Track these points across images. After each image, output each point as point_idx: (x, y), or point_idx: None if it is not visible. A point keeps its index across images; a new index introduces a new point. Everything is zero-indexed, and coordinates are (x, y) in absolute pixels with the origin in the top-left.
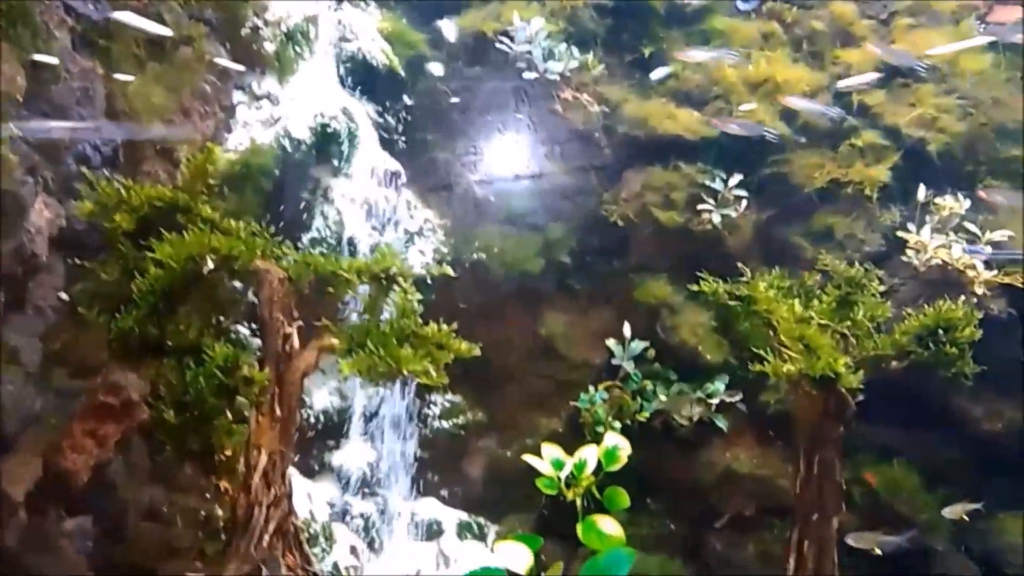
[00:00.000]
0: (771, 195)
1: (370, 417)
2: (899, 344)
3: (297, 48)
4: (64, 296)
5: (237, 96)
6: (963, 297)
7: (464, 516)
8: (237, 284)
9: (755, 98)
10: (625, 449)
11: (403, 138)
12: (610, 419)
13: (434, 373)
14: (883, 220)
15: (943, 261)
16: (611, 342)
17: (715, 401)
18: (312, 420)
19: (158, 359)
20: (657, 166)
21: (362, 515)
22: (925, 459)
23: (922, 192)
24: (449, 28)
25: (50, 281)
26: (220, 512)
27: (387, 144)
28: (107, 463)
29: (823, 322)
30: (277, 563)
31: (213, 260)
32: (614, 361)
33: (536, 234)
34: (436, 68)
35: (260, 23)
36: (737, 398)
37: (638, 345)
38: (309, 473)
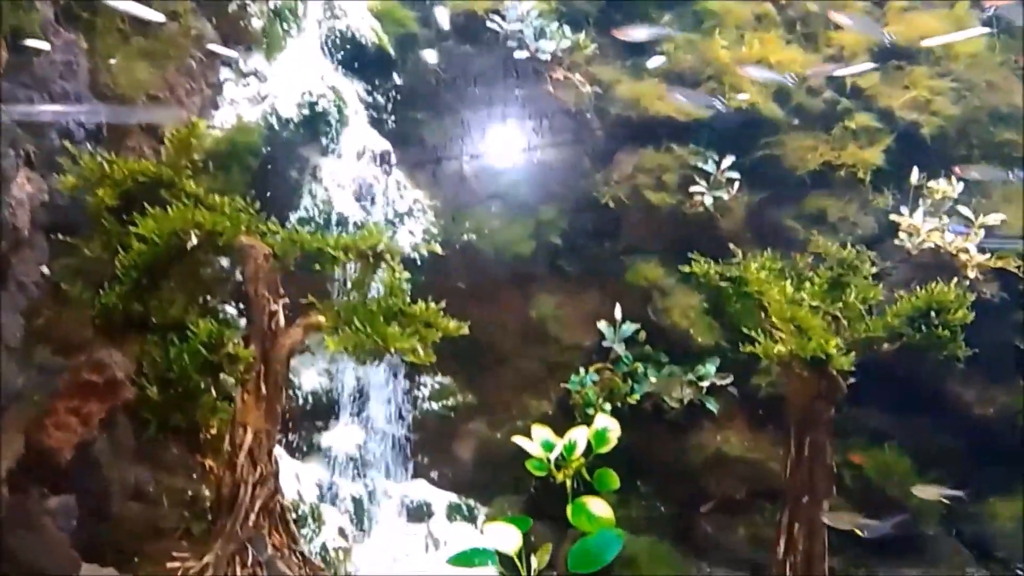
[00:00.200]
0: (764, 177)
1: (359, 398)
2: (891, 326)
3: (285, 25)
4: (46, 270)
5: (224, 73)
6: (956, 280)
7: (454, 498)
8: (223, 263)
9: (747, 79)
10: (615, 431)
11: (392, 117)
12: (601, 401)
13: (422, 351)
14: (876, 203)
15: (936, 245)
16: (602, 324)
17: (706, 384)
18: (301, 401)
19: (142, 336)
20: (649, 147)
21: (351, 496)
22: (917, 443)
23: (915, 175)
24: (440, 6)
25: (33, 256)
26: (207, 492)
27: (376, 123)
28: (91, 441)
29: (815, 304)
30: (263, 542)
31: (197, 235)
32: (605, 343)
33: (527, 215)
34: (426, 46)
35: None
36: (728, 381)
37: (629, 327)
38: (298, 454)
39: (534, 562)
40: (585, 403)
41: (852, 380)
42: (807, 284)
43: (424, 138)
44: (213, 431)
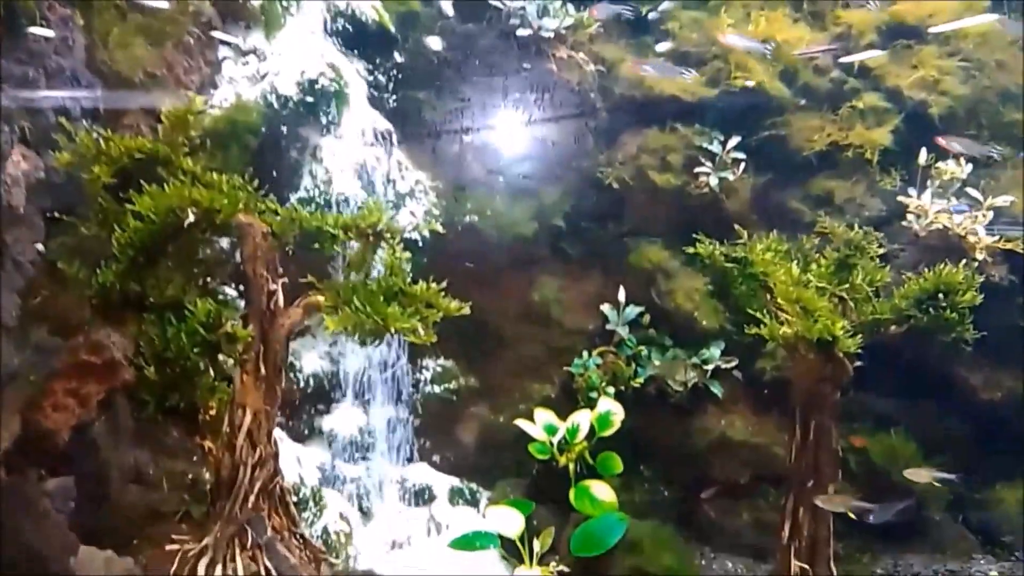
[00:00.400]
0: (769, 158)
1: (361, 382)
2: (898, 308)
3: (284, 2)
4: (40, 248)
5: (223, 51)
6: (964, 262)
7: (456, 482)
8: (223, 244)
9: (753, 58)
10: (618, 414)
11: (394, 97)
12: (604, 385)
13: (422, 331)
14: (883, 184)
15: (944, 226)
16: (605, 307)
17: (710, 367)
18: (302, 384)
19: (140, 316)
20: (654, 128)
21: (353, 480)
22: (923, 428)
23: (923, 156)
24: None
25: (28, 235)
26: (207, 475)
27: (377, 103)
28: (89, 423)
29: (821, 285)
30: (263, 524)
31: (194, 213)
32: (608, 326)
33: (530, 197)
34: (428, 24)
35: None
36: (732, 364)
37: (633, 310)
38: (299, 437)
39: (536, 546)
40: (588, 387)
41: (858, 364)
42: (813, 266)
43: (425, 118)
44: (212, 412)
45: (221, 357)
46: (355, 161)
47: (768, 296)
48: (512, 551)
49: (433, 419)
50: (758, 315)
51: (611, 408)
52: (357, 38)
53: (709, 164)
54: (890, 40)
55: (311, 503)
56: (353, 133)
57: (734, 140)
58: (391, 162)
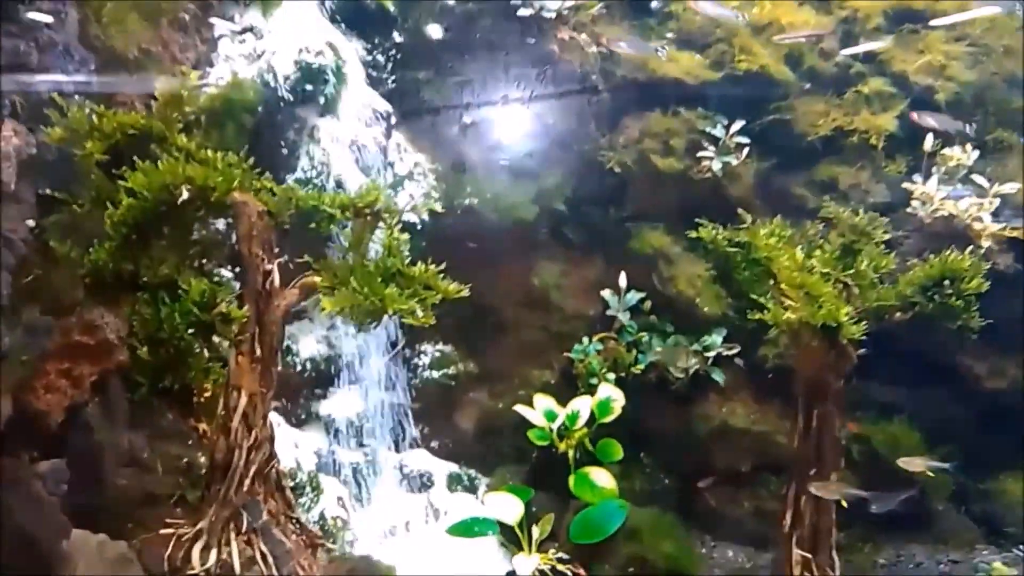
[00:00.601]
0: (773, 143)
1: (359, 366)
2: (903, 295)
3: None
4: (31, 224)
5: (219, 28)
6: (970, 249)
7: (454, 468)
8: (219, 225)
9: (759, 41)
10: (619, 401)
11: (392, 77)
12: (604, 371)
13: (421, 313)
14: (888, 171)
15: (949, 213)
16: (606, 293)
17: (712, 354)
18: (299, 368)
19: (133, 296)
20: (656, 111)
21: (350, 465)
22: (927, 417)
23: (929, 142)
24: None
25: (19, 212)
26: (202, 459)
27: (376, 83)
28: (82, 405)
29: (825, 271)
30: (258, 508)
31: (188, 190)
32: (609, 312)
33: (530, 181)
34: (428, 4)
35: None
36: (735, 351)
37: (634, 296)
38: (296, 422)
39: (535, 532)
40: (588, 373)
41: (862, 352)
42: (818, 251)
43: (425, 99)
44: (207, 395)
45: (216, 339)
46: (353, 142)
47: (772, 282)
48: (511, 538)
49: (432, 405)
50: (761, 300)
51: (611, 394)
52: (356, 17)
53: (712, 148)
54: (897, 24)
55: (308, 488)
56: (351, 114)
57: (738, 124)
58: (390, 143)
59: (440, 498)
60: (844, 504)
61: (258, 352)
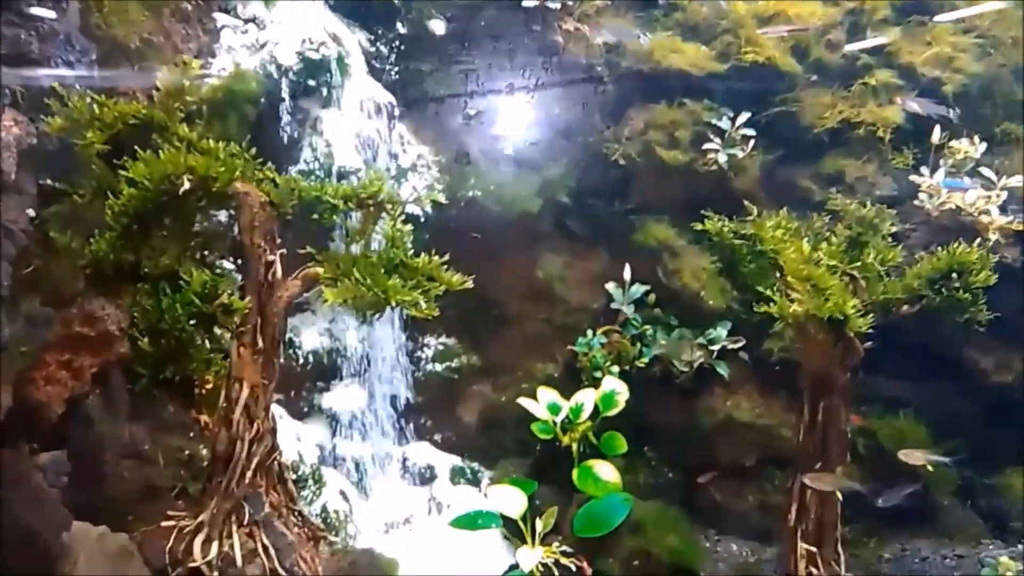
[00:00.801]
0: (780, 135)
1: (361, 359)
2: (910, 288)
3: None
4: (32, 214)
5: (221, 19)
6: (977, 242)
7: (457, 461)
8: (221, 217)
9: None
10: (623, 394)
11: (396, 68)
12: (608, 365)
13: (424, 304)
14: (896, 163)
15: (956, 206)
16: (610, 286)
17: (717, 347)
18: (301, 361)
19: (135, 287)
20: (661, 103)
21: (353, 459)
22: (933, 411)
23: (936, 134)
24: None
25: (19, 202)
26: (204, 452)
27: (379, 74)
28: (83, 396)
29: (832, 264)
30: (260, 500)
31: (190, 180)
32: (613, 305)
33: (534, 173)
34: None
35: None
36: (739, 345)
37: (638, 289)
38: (298, 415)
39: (539, 526)
40: (592, 366)
41: (869, 345)
42: (824, 244)
43: (428, 90)
44: (209, 386)
45: (218, 330)
46: (356, 134)
47: (778, 274)
48: (514, 531)
49: (435, 398)
50: (767, 293)
51: (615, 387)
52: (358, 8)
53: (718, 141)
54: (904, 16)
55: (310, 481)
56: (354, 105)
57: (743, 116)
58: (393, 135)
59: (443, 491)
60: (839, 496)
61: (260, 344)
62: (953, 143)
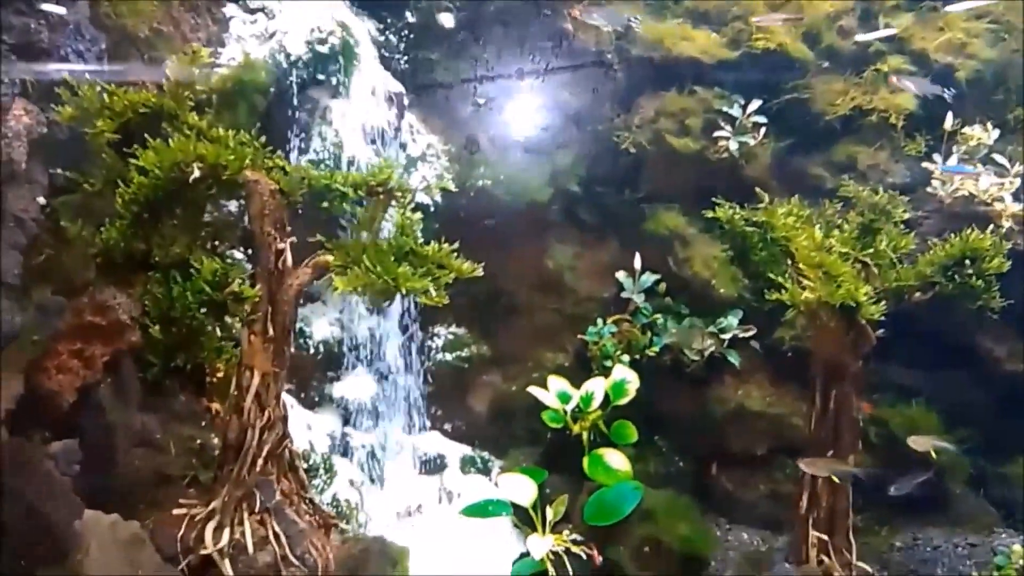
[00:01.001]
0: (791, 123)
1: (372, 349)
2: (923, 275)
3: None
4: (42, 201)
5: (230, 8)
6: (990, 229)
7: (468, 450)
8: (231, 208)
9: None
10: (633, 382)
11: (405, 58)
12: (619, 354)
13: (434, 292)
14: (908, 150)
15: (969, 193)
16: (621, 275)
17: (727, 336)
18: (312, 351)
19: (146, 276)
20: (672, 90)
21: (364, 448)
22: (945, 400)
23: (949, 121)
24: None
25: (30, 191)
26: (215, 440)
27: (388, 64)
28: (95, 385)
29: (844, 251)
30: (271, 488)
31: (200, 168)
32: (624, 294)
33: (544, 162)
34: None
35: None
36: (751, 333)
37: (649, 278)
38: (309, 405)
39: (549, 514)
40: (603, 355)
41: (881, 333)
42: (836, 231)
43: (438, 80)
44: (220, 375)
45: (229, 319)
46: (365, 123)
47: (789, 262)
48: (525, 519)
49: (445, 387)
50: (779, 280)
51: (626, 376)
52: None
53: (729, 128)
54: (916, 2)
55: (321, 470)
56: (363, 95)
57: (755, 104)
58: (402, 125)
59: (453, 480)
60: (835, 480)
61: (271, 332)
62: (966, 130)
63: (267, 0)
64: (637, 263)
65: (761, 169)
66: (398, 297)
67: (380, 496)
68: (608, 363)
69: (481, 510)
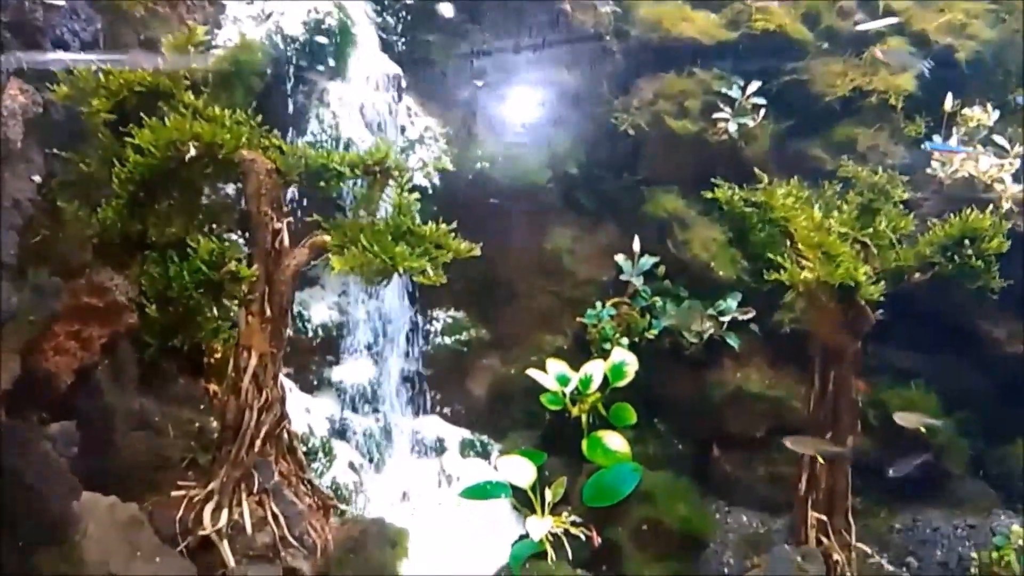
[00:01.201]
0: (790, 104)
1: (371, 333)
2: (922, 255)
3: None
4: (37, 179)
5: None
6: (990, 209)
7: (467, 434)
8: (229, 191)
9: None
10: (632, 365)
11: (403, 39)
12: (618, 337)
13: (431, 272)
14: (908, 131)
15: (969, 174)
16: (619, 257)
17: (727, 319)
18: (311, 335)
19: (142, 257)
20: (671, 72)
21: (363, 431)
22: (945, 381)
23: (949, 102)
24: None
25: (26, 171)
26: (214, 424)
27: (386, 46)
28: (92, 367)
29: (843, 231)
30: (269, 469)
31: (196, 147)
32: (622, 277)
33: (542, 144)
34: None
35: None
36: (749, 316)
37: (647, 260)
38: (308, 389)
39: (548, 496)
40: (601, 338)
41: (880, 315)
42: (835, 212)
43: (436, 62)
44: (218, 356)
45: (226, 300)
46: (363, 106)
47: (788, 242)
48: (524, 501)
49: (444, 371)
50: (778, 261)
51: (624, 358)
52: None
53: (728, 110)
54: None
55: (321, 454)
56: (361, 77)
57: (754, 85)
58: (400, 107)
59: (453, 464)
60: (821, 460)
61: (268, 312)
62: (966, 111)
63: None
64: (636, 246)
65: (760, 151)
66: (397, 281)
67: (379, 480)
68: (607, 346)
69: (480, 492)
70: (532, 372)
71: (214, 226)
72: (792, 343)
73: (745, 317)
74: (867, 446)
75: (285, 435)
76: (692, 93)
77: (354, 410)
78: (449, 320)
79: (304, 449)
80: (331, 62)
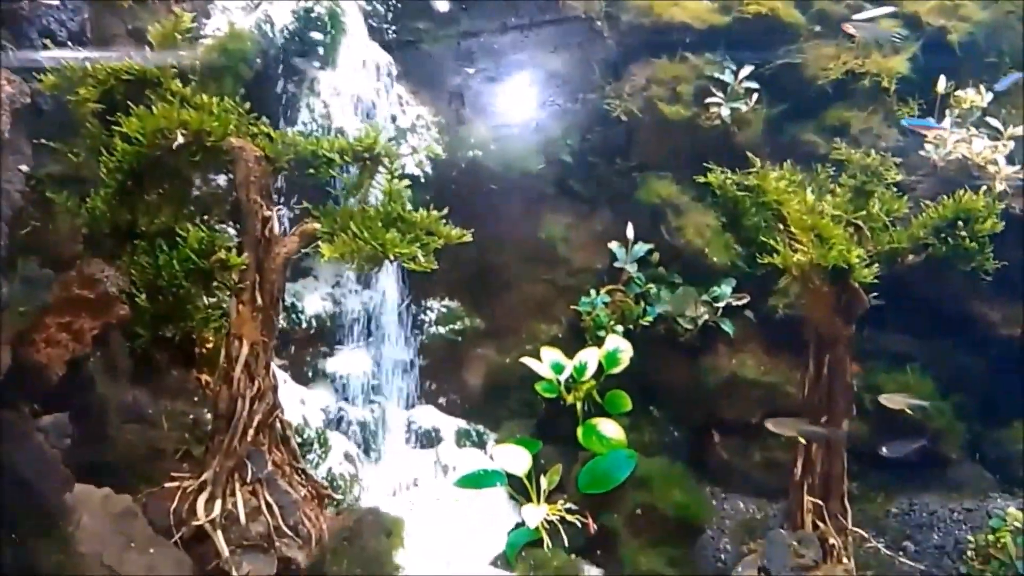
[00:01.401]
0: (783, 88)
1: (365, 323)
2: (916, 237)
3: None
4: (26, 168)
5: None
6: (984, 190)
7: (463, 424)
8: (220, 182)
9: None
10: (626, 351)
11: (393, 27)
12: (612, 324)
13: (422, 258)
14: (901, 114)
15: (963, 156)
16: (613, 245)
17: (721, 305)
18: (304, 326)
19: (132, 247)
20: (663, 57)
21: (358, 422)
22: (940, 365)
23: (942, 84)
24: None
25: (15, 162)
26: (207, 415)
27: (376, 34)
28: (84, 359)
29: (837, 214)
30: (262, 458)
31: (184, 135)
32: (616, 264)
33: (534, 132)
34: None
35: None
36: (744, 301)
37: (641, 247)
38: (303, 380)
39: (544, 483)
40: (596, 325)
41: (875, 299)
42: (828, 196)
43: (426, 50)
44: (209, 346)
45: (217, 289)
46: (353, 95)
47: (781, 226)
48: (519, 489)
49: (439, 361)
50: (772, 244)
51: (619, 345)
52: None
53: (721, 95)
54: None
55: (316, 445)
56: (351, 66)
57: (747, 69)
58: (391, 96)
59: (448, 454)
60: (803, 441)
61: (259, 301)
62: (959, 93)
63: None
64: (630, 233)
65: (753, 135)
66: (391, 270)
67: (375, 470)
68: (601, 333)
69: (476, 480)
70: (527, 360)
71: (205, 217)
72: (786, 328)
73: (739, 303)
74: (863, 431)
75: (278, 424)
76: (685, 78)
77: (349, 401)
78: (444, 309)
79: (299, 440)
80: (321, 51)
